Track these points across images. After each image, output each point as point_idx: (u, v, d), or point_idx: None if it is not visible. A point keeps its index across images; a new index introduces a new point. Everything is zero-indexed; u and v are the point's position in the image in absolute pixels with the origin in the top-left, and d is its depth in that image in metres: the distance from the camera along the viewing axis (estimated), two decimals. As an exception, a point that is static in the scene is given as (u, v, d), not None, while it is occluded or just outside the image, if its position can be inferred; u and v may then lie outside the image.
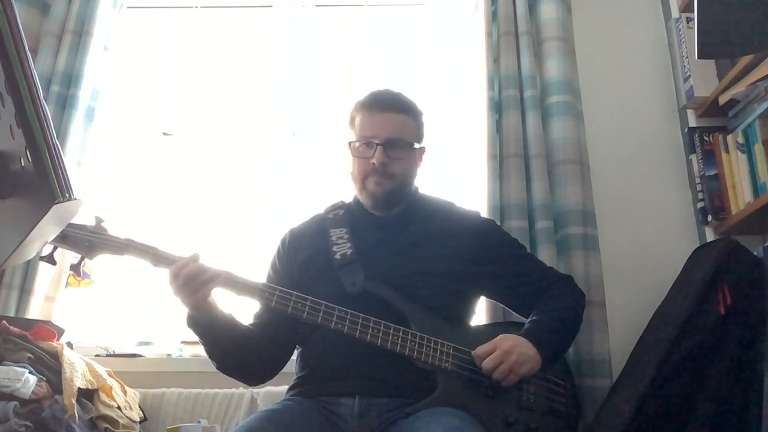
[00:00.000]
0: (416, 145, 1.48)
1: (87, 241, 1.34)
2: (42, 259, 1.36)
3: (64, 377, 1.59)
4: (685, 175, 2.07)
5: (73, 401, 1.55)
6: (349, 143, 1.47)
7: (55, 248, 1.36)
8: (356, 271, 1.42)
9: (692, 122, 2.03)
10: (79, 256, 1.36)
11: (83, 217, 1.36)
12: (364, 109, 1.47)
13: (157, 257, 1.35)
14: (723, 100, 1.86)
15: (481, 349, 1.34)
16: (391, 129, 1.44)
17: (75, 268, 1.38)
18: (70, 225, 1.31)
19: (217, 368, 1.43)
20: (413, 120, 1.49)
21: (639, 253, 2.01)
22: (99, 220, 1.37)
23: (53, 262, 1.37)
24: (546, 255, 1.81)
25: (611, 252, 1.96)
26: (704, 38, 1.05)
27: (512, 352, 1.32)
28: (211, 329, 1.35)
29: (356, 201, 1.54)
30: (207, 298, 1.31)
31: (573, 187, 1.91)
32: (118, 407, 1.69)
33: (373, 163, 1.42)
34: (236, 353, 1.40)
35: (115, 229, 1.37)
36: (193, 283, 1.28)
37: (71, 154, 2.01)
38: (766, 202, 1.65)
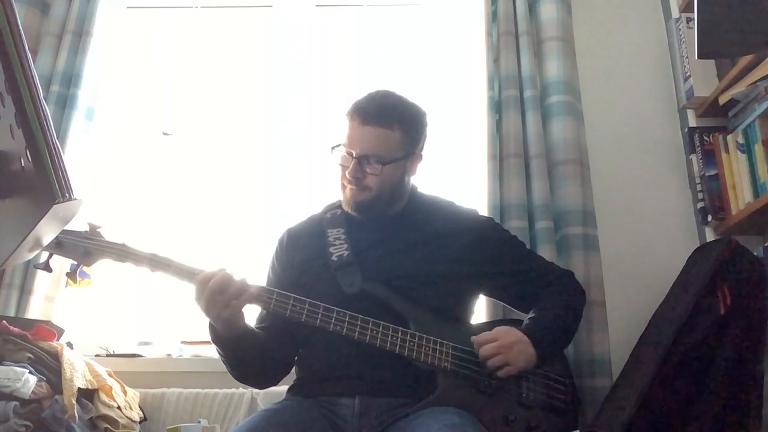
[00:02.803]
0: (397, 158, 1.42)
1: (82, 247, 1.34)
2: (37, 266, 1.35)
3: (64, 377, 1.59)
4: (685, 175, 2.07)
5: (73, 401, 1.55)
6: (332, 148, 1.45)
7: (50, 255, 1.34)
8: (353, 272, 1.42)
9: (692, 122, 2.03)
10: (75, 263, 1.35)
11: (77, 223, 1.35)
12: (350, 116, 1.43)
13: (154, 263, 1.34)
14: (723, 100, 1.86)
15: (482, 337, 1.35)
16: (366, 144, 1.40)
17: (71, 276, 1.37)
18: (65, 232, 1.30)
19: (236, 378, 1.43)
20: (400, 132, 1.41)
21: (639, 253, 2.01)
22: (94, 227, 1.36)
23: (49, 270, 1.36)
24: (546, 255, 1.81)
25: (611, 252, 1.96)
26: (704, 38, 1.05)
27: (512, 347, 1.33)
28: (236, 344, 1.35)
29: None
30: (237, 314, 1.30)
31: (573, 187, 1.91)
32: (118, 407, 1.69)
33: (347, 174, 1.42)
34: (256, 362, 1.41)
35: (110, 234, 1.36)
36: (221, 297, 1.27)
37: (71, 154, 2.01)
38: (766, 202, 1.66)
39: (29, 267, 1.91)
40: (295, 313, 1.33)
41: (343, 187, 1.46)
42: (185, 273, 1.34)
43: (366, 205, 1.45)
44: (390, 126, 1.41)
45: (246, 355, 1.38)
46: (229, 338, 1.33)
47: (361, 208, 1.45)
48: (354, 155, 1.40)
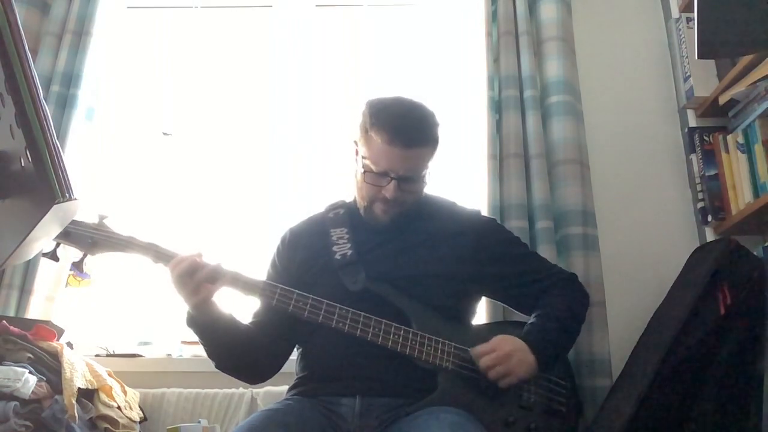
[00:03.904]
0: (429, 168, 1.42)
1: (89, 237, 1.34)
2: (45, 255, 1.37)
3: (64, 377, 1.59)
4: (685, 175, 2.07)
5: (73, 401, 1.55)
6: (363, 165, 1.39)
7: (57, 245, 1.36)
8: (357, 271, 1.42)
9: (692, 122, 2.03)
10: (81, 253, 1.36)
11: (86, 214, 1.37)
12: (384, 136, 1.35)
13: (158, 254, 1.35)
14: (723, 100, 1.86)
15: (481, 348, 1.33)
16: (409, 166, 1.37)
17: (77, 266, 1.38)
18: (73, 222, 1.32)
19: (216, 367, 1.43)
20: (433, 147, 1.41)
21: (639, 253, 2.01)
22: (102, 217, 1.37)
23: (56, 259, 1.38)
24: (546, 255, 1.81)
25: (611, 252, 1.96)
26: (704, 38, 1.05)
27: (511, 356, 1.32)
28: (210, 329, 1.35)
29: (357, 201, 1.54)
30: (209, 298, 1.30)
31: (573, 187, 1.91)
32: (118, 407, 1.70)
33: (384, 195, 1.39)
34: (236, 353, 1.40)
35: (117, 226, 1.38)
36: (191, 280, 1.28)
37: (71, 154, 2.01)
38: (766, 202, 1.66)
39: (29, 267, 1.91)
40: (298, 308, 1.34)
41: (371, 203, 1.43)
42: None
43: (396, 218, 1.44)
44: (428, 143, 1.40)
45: (222, 343, 1.38)
46: (202, 322, 1.33)
47: (392, 221, 1.44)
48: (394, 176, 1.37)
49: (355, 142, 1.45)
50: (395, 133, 1.35)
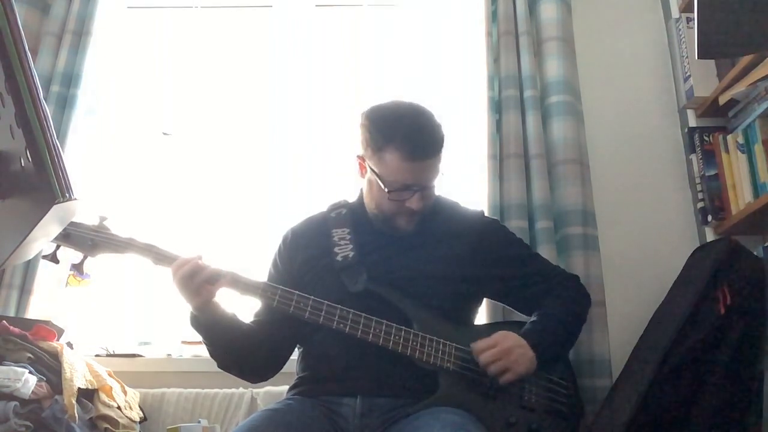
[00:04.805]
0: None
1: (90, 239, 1.34)
2: (45, 257, 1.37)
3: (64, 377, 1.59)
4: (685, 175, 2.07)
5: (73, 401, 1.56)
6: (384, 183, 1.37)
7: (58, 247, 1.36)
8: (358, 272, 1.42)
9: (692, 122, 2.03)
10: (81, 254, 1.36)
11: (87, 215, 1.37)
12: (402, 153, 1.34)
13: (158, 256, 1.35)
14: (723, 100, 1.86)
15: (481, 343, 1.34)
16: (431, 174, 1.39)
17: (77, 267, 1.38)
18: (73, 224, 1.32)
19: (218, 366, 1.44)
20: (444, 148, 1.41)
21: (639, 253, 2.01)
22: (102, 219, 1.38)
23: (56, 261, 1.38)
24: (546, 255, 1.81)
25: (611, 252, 1.96)
26: (704, 38, 1.05)
27: (512, 352, 1.32)
28: (213, 329, 1.36)
29: (360, 202, 1.53)
30: (211, 299, 1.32)
31: (573, 187, 1.91)
32: (118, 407, 1.70)
33: (409, 207, 1.39)
34: (238, 352, 1.41)
35: (117, 227, 1.38)
36: (192, 282, 1.29)
37: (71, 154, 2.01)
38: (766, 202, 1.66)
39: (29, 267, 1.91)
40: (299, 309, 1.34)
41: (393, 217, 1.43)
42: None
43: (419, 221, 1.45)
44: (441, 147, 1.40)
45: (224, 342, 1.39)
46: (204, 322, 1.34)
47: (416, 224, 1.45)
48: (417, 188, 1.38)
49: (361, 158, 1.44)
50: (413, 149, 1.35)
